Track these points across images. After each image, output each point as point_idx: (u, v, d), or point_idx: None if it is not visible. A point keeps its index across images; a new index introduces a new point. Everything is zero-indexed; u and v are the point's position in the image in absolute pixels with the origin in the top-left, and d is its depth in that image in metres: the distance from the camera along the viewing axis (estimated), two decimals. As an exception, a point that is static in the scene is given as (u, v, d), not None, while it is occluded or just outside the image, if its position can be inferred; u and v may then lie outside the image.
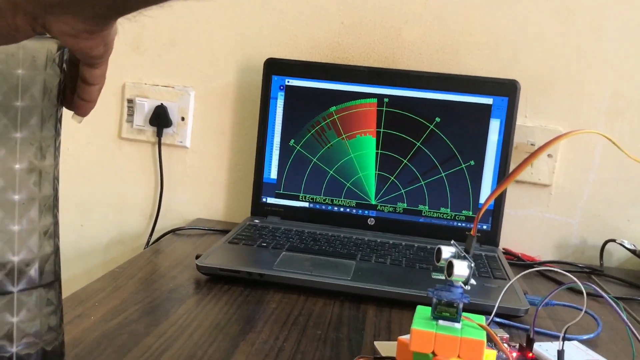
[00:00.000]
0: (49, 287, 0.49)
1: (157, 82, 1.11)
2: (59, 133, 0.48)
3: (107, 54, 0.45)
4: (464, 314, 0.52)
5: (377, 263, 0.83)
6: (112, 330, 0.59)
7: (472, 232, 0.51)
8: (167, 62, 1.11)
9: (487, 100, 0.97)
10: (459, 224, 0.98)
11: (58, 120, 0.48)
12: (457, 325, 0.50)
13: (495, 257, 0.91)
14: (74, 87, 0.48)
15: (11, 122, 0.44)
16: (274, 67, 1.01)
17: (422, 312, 0.53)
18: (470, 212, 0.97)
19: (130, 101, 1.11)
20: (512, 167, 0.98)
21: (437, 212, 0.98)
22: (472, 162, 0.97)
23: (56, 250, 0.50)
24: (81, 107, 0.48)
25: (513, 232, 1.05)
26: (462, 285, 0.49)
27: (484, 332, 0.50)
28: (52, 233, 0.49)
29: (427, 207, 0.98)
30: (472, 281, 0.49)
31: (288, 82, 1.00)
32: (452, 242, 0.51)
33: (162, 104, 1.10)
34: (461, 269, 0.50)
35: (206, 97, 1.10)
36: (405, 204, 0.99)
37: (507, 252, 1.02)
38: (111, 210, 1.15)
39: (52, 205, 0.49)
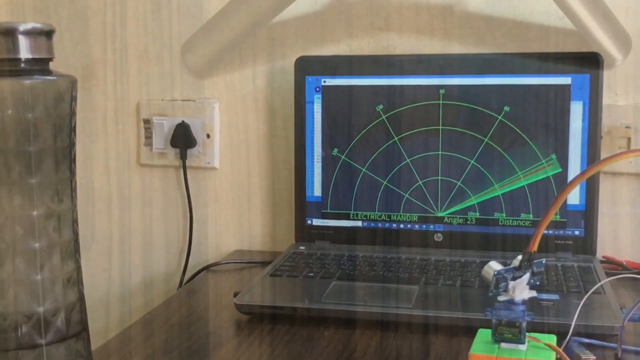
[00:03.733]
0: (77, 337, 0.59)
1: (175, 97, 1.21)
2: (74, 174, 0.58)
3: None
4: (531, 334, 0.58)
5: (444, 286, 0.89)
6: (147, 381, 0.68)
7: (529, 248, 0.57)
8: (184, 72, 1.20)
9: (564, 80, 1.01)
10: (545, 232, 1.03)
11: (72, 161, 0.58)
12: (522, 347, 0.57)
13: (590, 267, 0.96)
14: None
15: (25, 168, 0.55)
16: (307, 66, 1.08)
17: (484, 335, 0.60)
18: (558, 217, 1.02)
19: (146, 121, 1.21)
20: (603, 156, 1.03)
21: (516, 220, 1.03)
22: (553, 156, 1.02)
23: (81, 298, 0.60)
24: None
25: (614, 236, 1.08)
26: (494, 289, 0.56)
27: (553, 353, 0.56)
28: (76, 280, 0.59)
29: (504, 214, 1.04)
30: (525, 296, 0.55)
31: (324, 82, 1.08)
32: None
33: (183, 121, 1.19)
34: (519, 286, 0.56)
35: (233, 108, 1.19)
36: (478, 214, 1.05)
37: (608, 261, 1.05)
38: (136, 249, 1.25)
39: (73, 251, 0.58)
